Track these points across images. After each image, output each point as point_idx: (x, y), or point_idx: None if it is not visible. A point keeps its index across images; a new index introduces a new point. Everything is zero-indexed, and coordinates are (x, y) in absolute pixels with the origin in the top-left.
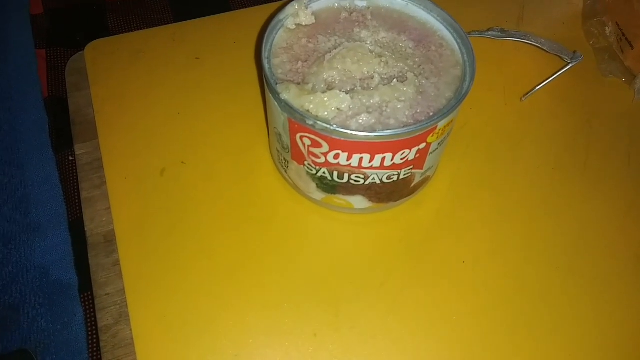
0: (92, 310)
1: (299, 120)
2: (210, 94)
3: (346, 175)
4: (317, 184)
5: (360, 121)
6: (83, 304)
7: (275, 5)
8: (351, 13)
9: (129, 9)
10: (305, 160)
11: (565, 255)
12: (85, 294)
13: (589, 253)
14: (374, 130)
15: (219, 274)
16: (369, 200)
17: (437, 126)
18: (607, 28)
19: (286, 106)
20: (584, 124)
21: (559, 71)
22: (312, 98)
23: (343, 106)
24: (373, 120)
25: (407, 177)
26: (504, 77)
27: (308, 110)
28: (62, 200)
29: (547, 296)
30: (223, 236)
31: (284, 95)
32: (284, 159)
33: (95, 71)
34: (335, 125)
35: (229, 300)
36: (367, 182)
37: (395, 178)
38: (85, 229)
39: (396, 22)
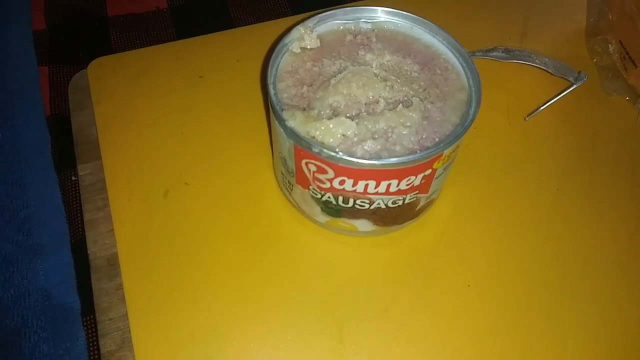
0: (94, 334)
1: (304, 147)
2: (214, 113)
3: (351, 200)
4: (321, 208)
5: (366, 147)
6: (85, 328)
7: (278, 22)
8: (356, 35)
9: (131, 25)
10: (310, 185)
11: (570, 278)
12: (88, 318)
13: (595, 276)
14: (380, 158)
15: (223, 297)
16: (374, 224)
17: (443, 153)
18: (610, 46)
19: (292, 133)
20: (587, 143)
21: (563, 92)
22: (318, 125)
23: (349, 133)
24: (379, 147)
25: (412, 201)
26: (508, 97)
27: (314, 137)
28: (64, 221)
29: (554, 320)
30: (226, 259)
31: (290, 123)
32: (289, 182)
33: (99, 89)
34: (341, 153)
35: (233, 325)
36: (372, 207)
37: (400, 202)
38: (88, 252)
39: (401, 45)
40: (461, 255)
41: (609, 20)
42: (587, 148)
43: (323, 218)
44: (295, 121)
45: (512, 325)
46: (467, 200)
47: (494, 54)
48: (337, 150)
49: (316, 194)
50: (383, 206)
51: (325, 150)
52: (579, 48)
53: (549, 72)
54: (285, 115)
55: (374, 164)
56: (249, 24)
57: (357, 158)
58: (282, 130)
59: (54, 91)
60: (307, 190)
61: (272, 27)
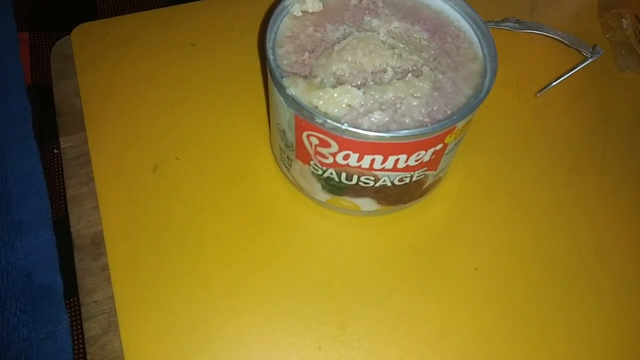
0: (78, 317)
1: (307, 117)
2: (207, 84)
3: (355, 177)
4: (322, 185)
5: (373, 119)
6: (69, 311)
7: None
8: (361, 0)
9: None
10: (311, 160)
11: (582, 261)
12: (71, 300)
13: (607, 259)
14: (388, 130)
15: (216, 280)
16: (378, 203)
17: (456, 126)
18: (624, 20)
19: (293, 102)
20: (600, 121)
21: (577, 66)
22: (321, 93)
23: (355, 102)
24: (387, 119)
25: (419, 179)
26: (519, 71)
27: (316, 107)
28: (46, 197)
29: (564, 305)
30: (220, 239)
31: (291, 90)
32: (287, 157)
33: (83, 57)
34: (347, 124)
35: (227, 309)
36: (377, 185)
37: (407, 180)
38: (71, 230)
39: (409, 11)
40: (468, 237)
41: None
42: (599, 126)
43: (324, 196)
44: (296, 89)
45: (520, 311)
46: (475, 180)
47: (507, 24)
48: (342, 121)
49: (317, 170)
50: (389, 184)
51: (329, 121)
52: (591, 23)
53: (563, 43)
54: (285, 82)
55: (383, 136)
56: None
57: (364, 130)
58: (282, 99)
59: (35, 59)
60: (307, 165)
61: None
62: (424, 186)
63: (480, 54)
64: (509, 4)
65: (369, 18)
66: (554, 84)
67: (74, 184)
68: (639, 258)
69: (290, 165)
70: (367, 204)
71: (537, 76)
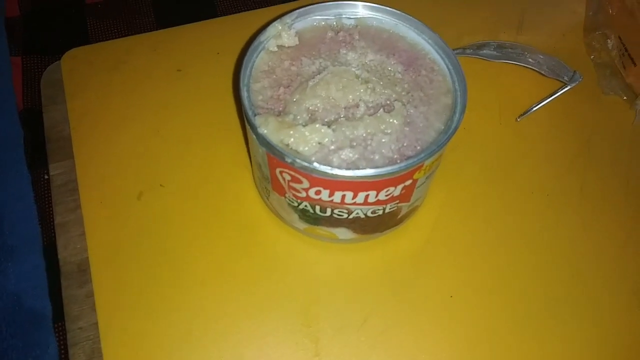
0: (65, 342)
1: (277, 156)
2: (191, 111)
3: (329, 210)
4: (299, 215)
5: (343, 156)
6: (57, 335)
7: (262, 11)
8: (338, 32)
9: (110, 12)
10: (286, 193)
11: (559, 289)
12: (59, 324)
13: (585, 287)
14: (357, 168)
15: (198, 309)
16: (354, 232)
17: (423, 164)
18: (609, 41)
19: (264, 141)
20: (581, 145)
21: (556, 92)
22: (292, 132)
23: (325, 141)
24: (356, 156)
25: (393, 210)
26: (500, 95)
27: (288, 145)
28: (36, 222)
29: (541, 333)
30: (202, 265)
31: (262, 130)
32: (265, 188)
33: (72, 83)
34: (316, 164)
35: (206, 335)
36: (351, 216)
37: (380, 212)
38: (59, 257)
39: (385, 43)
40: (445, 264)
41: (609, 15)
42: (581, 150)
43: (301, 225)
44: (268, 128)
45: (496, 339)
46: (454, 206)
47: (485, 51)
48: (311, 160)
49: (292, 202)
50: (362, 216)
51: (298, 161)
52: (576, 43)
53: (541, 74)
54: (257, 121)
55: (350, 176)
56: (233, 12)
57: (332, 169)
58: (254, 137)
59: (27, 83)
60: (283, 197)
61: (256, 17)
62: (399, 216)
63: (452, 88)
64: (494, 22)
65: (344, 51)
66: (535, 108)
67: (61, 210)
68: (617, 285)
69: (269, 196)
70: (343, 232)
71: (518, 101)
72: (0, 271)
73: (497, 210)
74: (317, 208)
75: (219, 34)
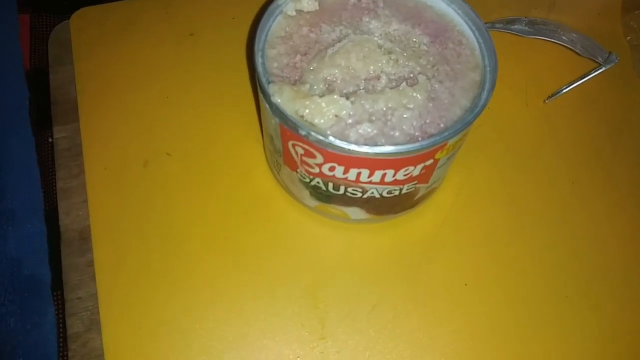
0: (62, 311)
1: (291, 128)
2: (203, 78)
3: (342, 188)
4: (310, 192)
5: (361, 131)
6: (55, 303)
7: None
8: None
9: None
10: (298, 168)
11: (579, 282)
12: (58, 292)
13: (605, 281)
14: (374, 144)
15: (201, 282)
16: (367, 212)
17: (447, 143)
18: None
19: (278, 111)
20: (611, 132)
21: (588, 74)
22: (307, 102)
23: (343, 113)
24: (375, 131)
25: (410, 191)
26: (528, 74)
27: (302, 116)
28: (39, 186)
29: (559, 328)
30: (207, 239)
31: (276, 99)
32: (276, 161)
33: (81, 44)
34: (331, 138)
35: (209, 312)
36: (365, 196)
37: (396, 193)
38: (60, 224)
39: (411, 12)
40: (460, 250)
41: None
42: (610, 137)
43: (312, 202)
44: (282, 97)
45: (510, 331)
46: (473, 189)
47: (516, 26)
48: (327, 133)
49: (304, 178)
50: (377, 195)
51: (313, 134)
52: (612, 23)
53: (575, 52)
54: (271, 89)
55: (367, 152)
56: None
57: (348, 144)
58: (267, 106)
59: (35, 42)
60: (295, 172)
61: None
62: (416, 197)
63: (481, 64)
64: (525, 1)
65: (367, 19)
66: (564, 90)
67: (64, 176)
68: (635, 278)
69: (280, 170)
70: (356, 212)
71: (547, 81)
72: (0, 236)
73: (518, 196)
74: (330, 185)
75: None
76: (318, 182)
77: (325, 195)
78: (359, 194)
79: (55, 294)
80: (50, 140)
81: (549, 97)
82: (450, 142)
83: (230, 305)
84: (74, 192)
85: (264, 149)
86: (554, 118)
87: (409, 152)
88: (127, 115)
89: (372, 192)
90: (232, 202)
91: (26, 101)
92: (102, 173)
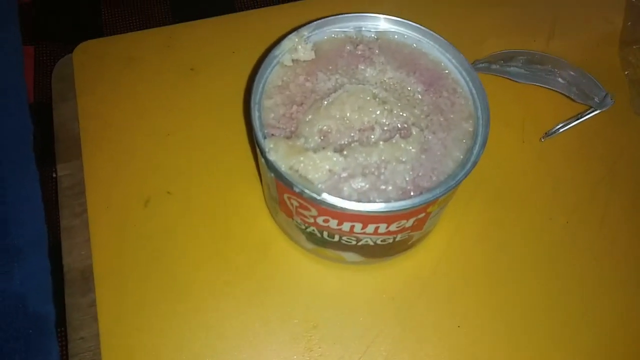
0: (65, 350)
1: (286, 184)
2: (203, 114)
3: (337, 236)
4: (306, 237)
5: (354, 186)
6: (59, 341)
7: (281, 7)
8: (357, 45)
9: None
10: (294, 216)
11: (570, 327)
12: (61, 329)
13: (596, 327)
14: (368, 200)
15: (201, 324)
16: (362, 256)
17: (437, 200)
18: None
19: (273, 167)
20: (607, 170)
21: (584, 115)
22: (302, 158)
23: (336, 168)
24: (368, 186)
25: (403, 239)
26: (525, 111)
27: (297, 170)
28: (43, 222)
29: None
30: (207, 278)
31: (272, 156)
32: (274, 207)
33: (83, 79)
34: (324, 195)
35: (210, 352)
36: (359, 243)
37: (390, 241)
38: (63, 263)
39: (406, 60)
40: (454, 291)
41: None
42: (605, 176)
43: (308, 245)
44: (277, 154)
45: None
46: (467, 230)
47: (512, 68)
48: (320, 190)
49: (300, 225)
50: (371, 243)
51: (306, 191)
52: (610, 56)
53: (569, 98)
54: (267, 145)
55: (359, 210)
56: (253, 8)
57: (340, 201)
58: (263, 160)
59: (38, 74)
60: (291, 219)
61: (277, 13)
62: (410, 242)
63: (474, 114)
64: (525, 29)
65: (363, 67)
66: (561, 130)
67: (67, 214)
68: (632, 327)
69: (277, 214)
70: (351, 256)
71: (544, 119)
72: (5, 272)
73: (512, 236)
74: (325, 233)
75: (236, 31)
76: (313, 230)
77: (321, 241)
78: (354, 242)
79: (59, 330)
80: (54, 175)
81: (546, 135)
82: (441, 198)
83: (226, 348)
84: (77, 231)
85: (263, 192)
86: (549, 156)
87: (400, 210)
88: (128, 153)
89: (366, 241)
90: (230, 242)
91: (30, 135)
92: (104, 212)
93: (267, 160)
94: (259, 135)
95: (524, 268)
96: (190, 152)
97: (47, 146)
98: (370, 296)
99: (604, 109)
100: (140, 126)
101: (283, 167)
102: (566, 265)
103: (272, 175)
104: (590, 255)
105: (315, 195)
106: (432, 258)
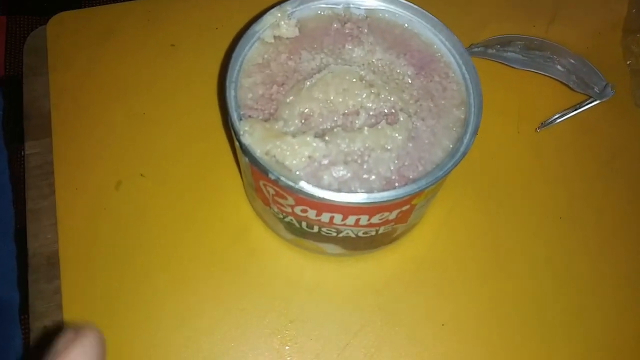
0: (27, 337)
1: (261, 170)
2: (182, 93)
3: (316, 227)
4: (284, 226)
5: (335, 174)
6: (23, 327)
7: None
8: (344, 23)
9: None
10: (271, 205)
11: (561, 326)
12: (25, 316)
13: (591, 322)
14: (349, 189)
15: (171, 314)
16: (343, 248)
17: (423, 191)
18: None
19: (248, 151)
20: (605, 163)
21: (582, 105)
22: (279, 143)
23: (316, 155)
24: (349, 174)
25: (387, 231)
26: (521, 100)
27: (274, 156)
28: (10, 204)
29: None
30: (180, 267)
31: (247, 139)
32: (251, 193)
33: (57, 53)
34: (301, 183)
35: (177, 342)
36: (340, 235)
37: (372, 233)
38: (28, 247)
39: (397, 40)
40: (440, 287)
41: None
42: (602, 168)
43: (287, 235)
44: (252, 137)
45: None
46: (456, 223)
47: (509, 54)
48: (298, 178)
49: (278, 214)
50: (353, 235)
51: (283, 179)
52: (612, 45)
53: (568, 87)
54: (242, 126)
55: (339, 201)
56: None
57: (319, 190)
58: (237, 144)
59: (10, 46)
60: (268, 207)
61: None
62: (394, 235)
63: (467, 101)
64: (525, 14)
65: (350, 46)
66: (558, 120)
67: (34, 195)
68: (622, 323)
69: (254, 200)
70: (331, 248)
71: (540, 108)
72: None
73: (503, 232)
74: (304, 224)
75: (220, 5)
76: (291, 220)
77: (300, 231)
78: (334, 234)
79: (23, 317)
80: (23, 153)
81: (541, 125)
82: (427, 190)
83: (206, 333)
84: (44, 215)
85: (241, 177)
86: (545, 148)
87: (382, 201)
88: (101, 132)
89: (347, 233)
90: (205, 228)
91: (0, 111)
92: (73, 194)
93: (241, 144)
94: (234, 116)
95: (515, 264)
96: (166, 133)
97: (18, 123)
98: (351, 290)
99: (604, 100)
100: (115, 104)
101: (258, 151)
102: (560, 262)
103: (247, 160)
104: (585, 253)
105: (292, 184)
106: (418, 251)
